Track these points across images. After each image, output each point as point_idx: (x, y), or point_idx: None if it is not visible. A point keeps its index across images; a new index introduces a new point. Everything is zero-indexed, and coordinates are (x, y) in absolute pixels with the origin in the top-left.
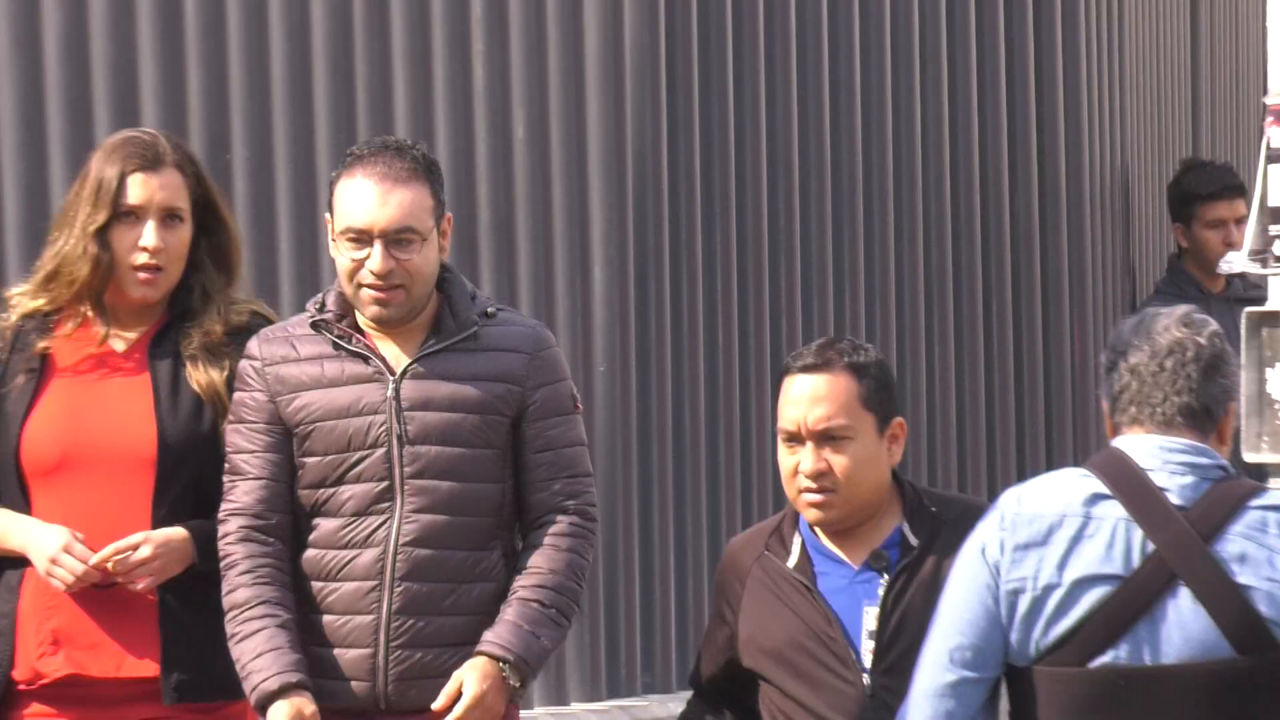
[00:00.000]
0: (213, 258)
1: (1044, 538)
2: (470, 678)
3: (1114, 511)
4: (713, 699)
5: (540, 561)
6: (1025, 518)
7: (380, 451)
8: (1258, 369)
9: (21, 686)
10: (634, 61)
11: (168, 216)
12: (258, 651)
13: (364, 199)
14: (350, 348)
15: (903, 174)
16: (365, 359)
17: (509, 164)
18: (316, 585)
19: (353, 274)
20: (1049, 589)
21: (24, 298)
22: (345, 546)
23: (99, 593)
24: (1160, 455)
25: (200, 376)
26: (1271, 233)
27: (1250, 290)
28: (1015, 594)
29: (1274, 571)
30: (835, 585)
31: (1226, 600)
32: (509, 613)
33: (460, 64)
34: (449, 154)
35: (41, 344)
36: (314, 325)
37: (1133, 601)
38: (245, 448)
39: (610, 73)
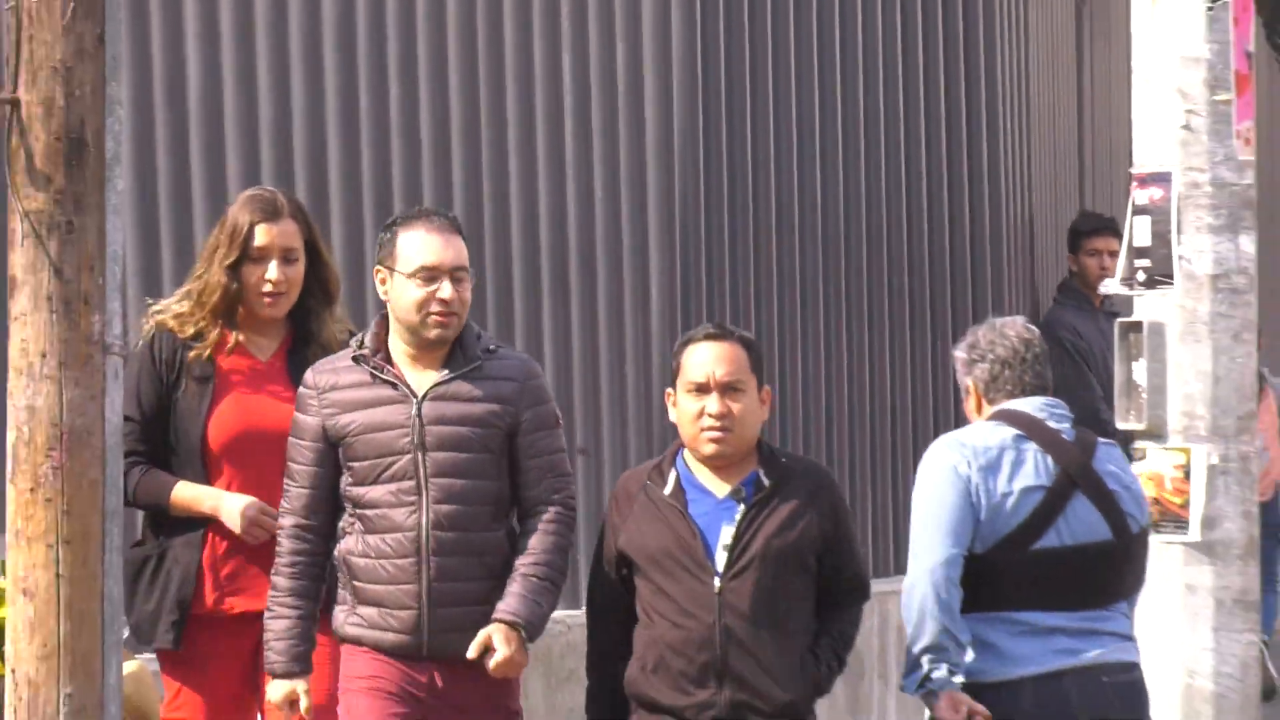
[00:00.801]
0: (318, 285)
1: (995, 463)
2: (498, 639)
3: (1031, 445)
4: (606, 613)
5: (535, 543)
6: (979, 449)
7: (407, 457)
8: (1127, 362)
9: (200, 615)
10: (681, 145)
11: (285, 255)
12: (279, 637)
13: (432, 245)
14: (383, 376)
15: (868, 222)
16: (394, 385)
17: (590, 216)
18: (366, 562)
19: (422, 305)
20: (1005, 495)
21: (168, 316)
22: (385, 531)
23: (261, 546)
24: (1045, 410)
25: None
26: (1136, 265)
27: (1120, 306)
28: (982, 497)
29: (1126, 482)
30: (702, 509)
31: (1105, 501)
32: (515, 586)
33: (555, 138)
34: (550, 207)
35: (203, 358)
36: (355, 359)
37: (1054, 504)
38: (299, 459)
39: (663, 154)
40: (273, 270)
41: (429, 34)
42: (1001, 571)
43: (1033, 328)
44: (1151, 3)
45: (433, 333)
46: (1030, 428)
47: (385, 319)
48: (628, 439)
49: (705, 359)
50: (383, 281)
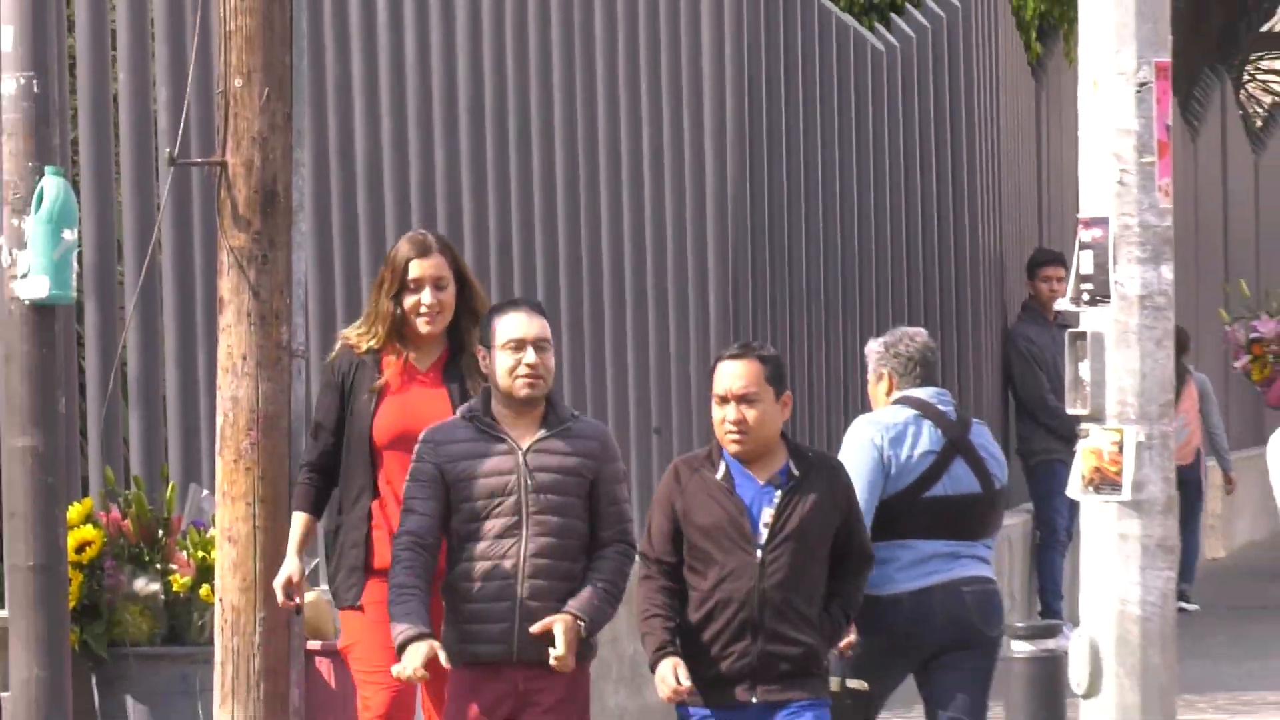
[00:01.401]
0: (467, 307)
1: (901, 435)
2: (559, 632)
3: (926, 422)
4: (658, 569)
5: (604, 566)
6: (889, 425)
7: (512, 499)
8: (1074, 363)
9: (379, 570)
10: (734, 196)
11: (436, 284)
12: (405, 616)
13: (519, 321)
14: (492, 432)
15: (877, 256)
16: (502, 439)
17: (663, 250)
18: (468, 586)
19: (513, 369)
20: (908, 459)
21: (350, 337)
22: (490, 559)
23: None
24: (936, 397)
25: (475, 387)
26: (1081, 288)
27: (1069, 319)
28: (891, 461)
29: (992, 451)
30: (747, 493)
31: (977, 464)
32: (586, 591)
33: (633, 192)
34: (633, 243)
35: (377, 372)
36: (467, 419)
37: (941, 464)
38: (417, 495)
39: (720, 203)
40: (427, 296)
41: (539, 114)
42: (900, 513)
43: (929, 338)
44: (1093, 86)
45: (523, 392)
46: (925, 409)
47: (488, 391)
48: (690, 421)
49: (724, 375)
50: (483, 358)
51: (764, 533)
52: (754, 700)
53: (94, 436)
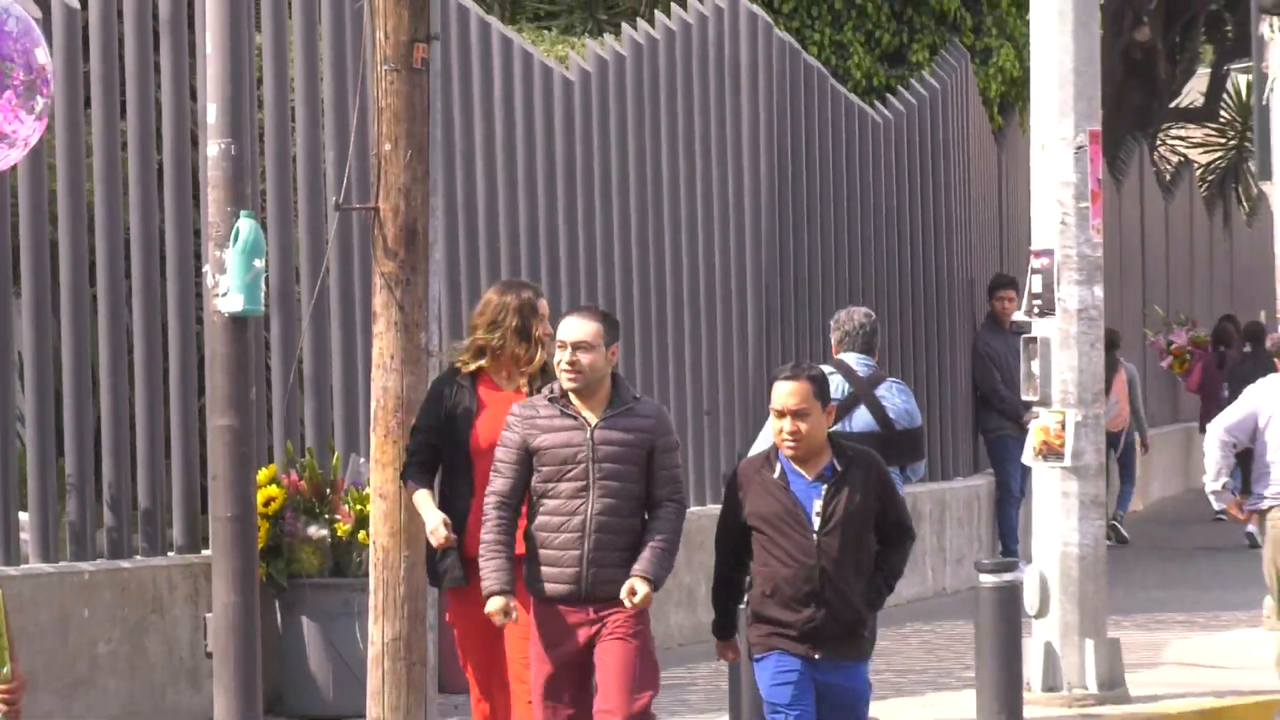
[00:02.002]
0: (547, 339)
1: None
2: (638, 584)
3: (838, 378)
4: (727, 554)
5: (660, 525)
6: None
7: (581, 466)
8: (1028, 361)
9: (472, 558)
10: (768, 241)
11: (533, 316)
12: (495, 570)
13: (568, 326)
14: (567, 411)
15: (877, 280)
16: (574, 418)
17: (712, 282)
18: (545, 536)
19: (559, 364)
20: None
21: (455, 359)
22: (563, 515)
23: None
24: (858, 360)
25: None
26: (1033, 303)
27: (1022, 328)
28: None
29: (896, 404)
30: (799, 488)
31: (878, 410)
32: (647, 553)
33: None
34: (690, 280)
35: (473, 388)
36: (549, 400)
37: (847, 406)
38: (505, 459)
39: (756, 244)
40: (518, 315)
41: (619, 175)
42: None
43: (870, 313)
44: (1042, 149)
45: (565, 383)
46: (842, 368)
47: None
48: (733, 407)
49: (780, 392)
50: (553, 353)
51: (817, 521)
52: (818, 657)
53: (277, 418)
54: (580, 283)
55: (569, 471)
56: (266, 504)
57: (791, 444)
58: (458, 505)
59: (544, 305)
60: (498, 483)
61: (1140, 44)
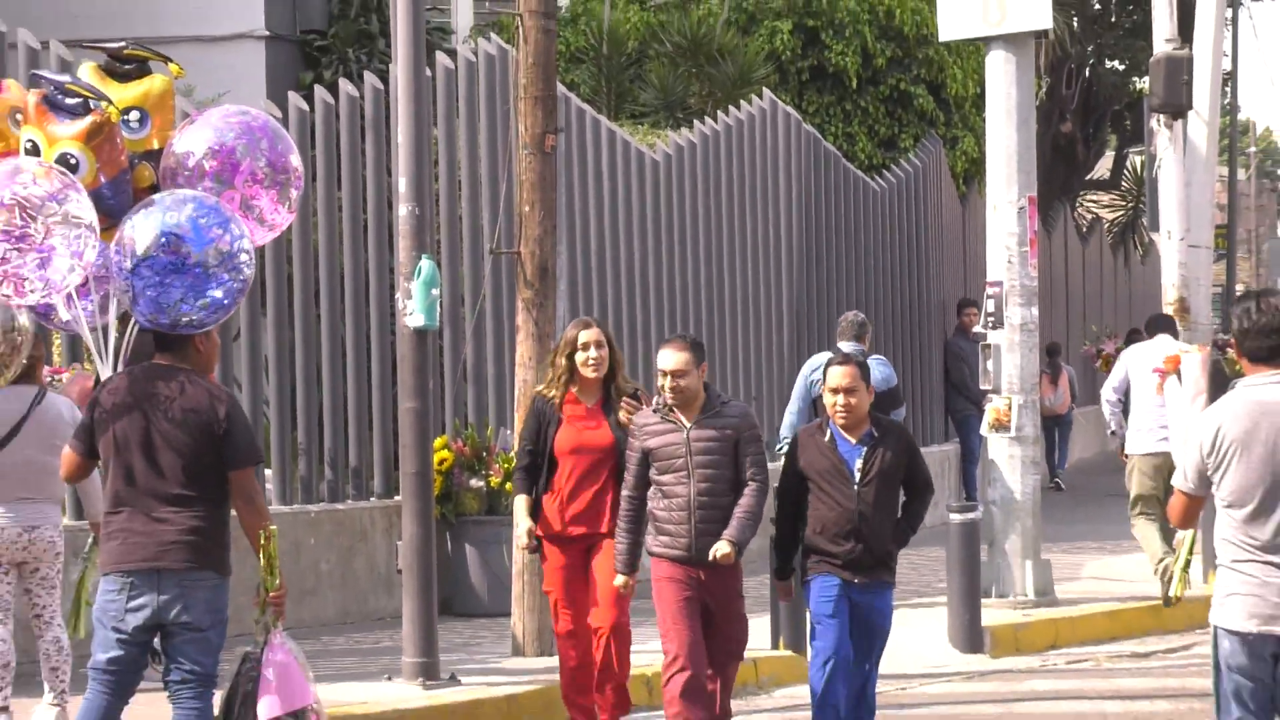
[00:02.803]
0: (614, 364)
1: (817, 366)
2: (723, 545)
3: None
4: (786, 505)
5: (746, 501)
6: (813, 364)
7: (681, 459)
8: (984, 361)
9: (550, 535)
10: (798, 270)
11: (596, 347)
12: (624, 551)
13: (663, 357)
14: (668, 419)
15: (880, 300)
16: (674, 424)
17: (758, 297)
18: (662, 514)
19: (663, 388)
20: (816, 382)
21: (542, 387)
22: (673, 497)
23: (585, 501)
24: (851, 345)
25: (623, 418)
26: (988, 319)
27: (980, 337)
28: (814, 383)
29: (874, 371)
30: (844, 449)
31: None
32: (734, 522)
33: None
34: (743, 293)
35: (557, 407)
36: (654, 411)
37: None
38: (631, 464)
39: (790, 268)
40: (591, 352)
41: (690, 231)
42: (821, 408)
43: (860, 314)
44: (994, 209)
45: (668, 400)
46: (839, 352)
47: None
48: (773, 393)
49: (835, 375)
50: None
51: (858, 475)
52: (855, 580)
53: (448, 402)
54: (665, 306)
55: (673, 465)
56: (440, 463)
57: (844, 415)
58: (542, 491)
59: (588, 334)
60: (629, 480)
61: (1064, 134)
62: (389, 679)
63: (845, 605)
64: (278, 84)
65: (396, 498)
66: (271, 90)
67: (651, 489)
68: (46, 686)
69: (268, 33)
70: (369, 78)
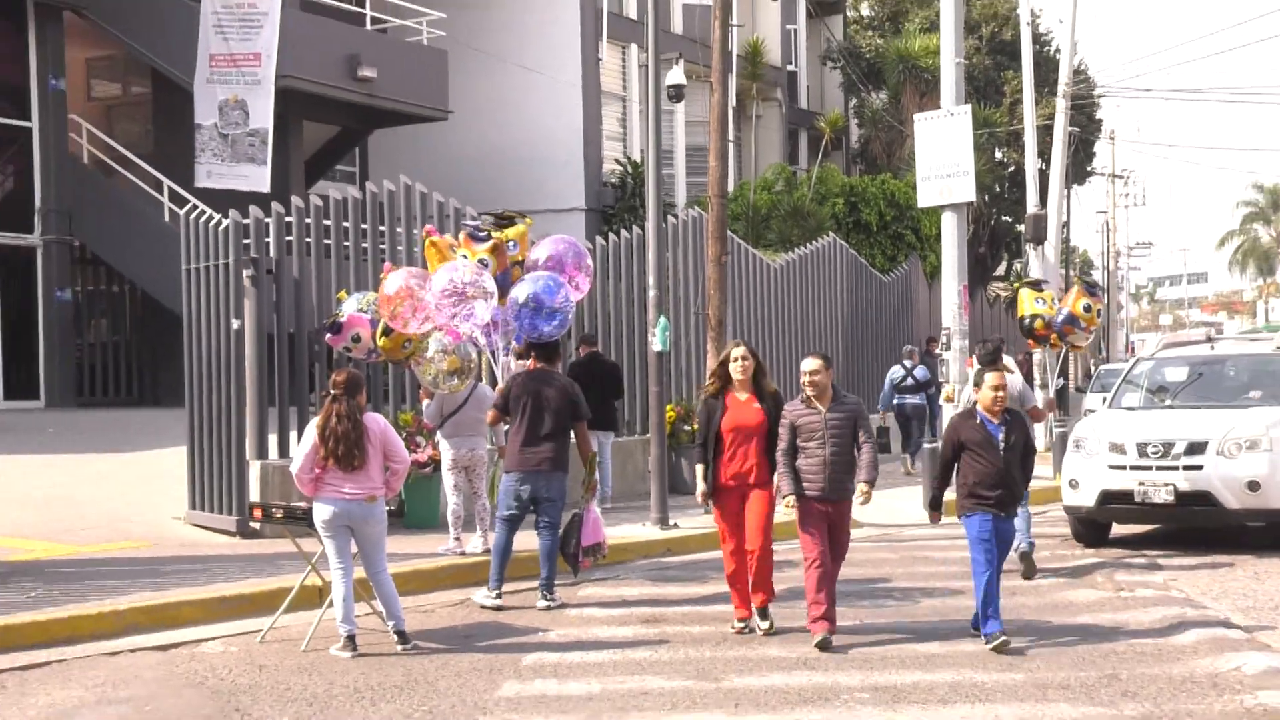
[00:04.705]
0: (760, 370)
1: (894, 373)
2: (864, 485)
3: (900, 369)
4: (944, 467)
5: (867, 455)
6: (894, 374)
7: (819, 432)
8: (941, 367)
9: (719, 487)
10: (846, 324)
11: (743, 357)
12: (785, 483)
13: (806, 363)
14: (810, 406)
15: (885, 341)
16: (814, 409)
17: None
18: (805, 466)
19: (805, 385)
20: (894, 383)
21: (708, 385)
22: (813, 456)
23: (741, 463)
24: (910, 363)
25: (769, 405)
26: (943, 343)
27: (939, 356)
28: (888, 382)
29: (918, 377)
30: (990, 428)
31: (917, 385)
32: (862, 472)
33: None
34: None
35: (720, 399)
36: (801, 401)
37: (902, 381)
38: (783, 434)
39: (844, 323)
40: (739, 362)
41: (797, 303)
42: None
43: (913, 349)
44: (946, 291)
45: (807, 393)
46: (904, 368)
47: None
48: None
49: (992, 379)
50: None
51: (1002, 445)
52: (1002, 515)
53: (672, 389)
54: (781, 342)
55: (814, 435)
56: (672, 419)
57: (998, 406)
58: (713, 458)
59: (738, 350)
60: (782, 445)
61: (980, 253)
62: (644, 525)
63: (993, 533)
64: (589, 231)
65: (647, 435)
66: (587, 234)
67: (798, 451)
68: (478, 528)
69: (585, 207)
70: (635, 230)
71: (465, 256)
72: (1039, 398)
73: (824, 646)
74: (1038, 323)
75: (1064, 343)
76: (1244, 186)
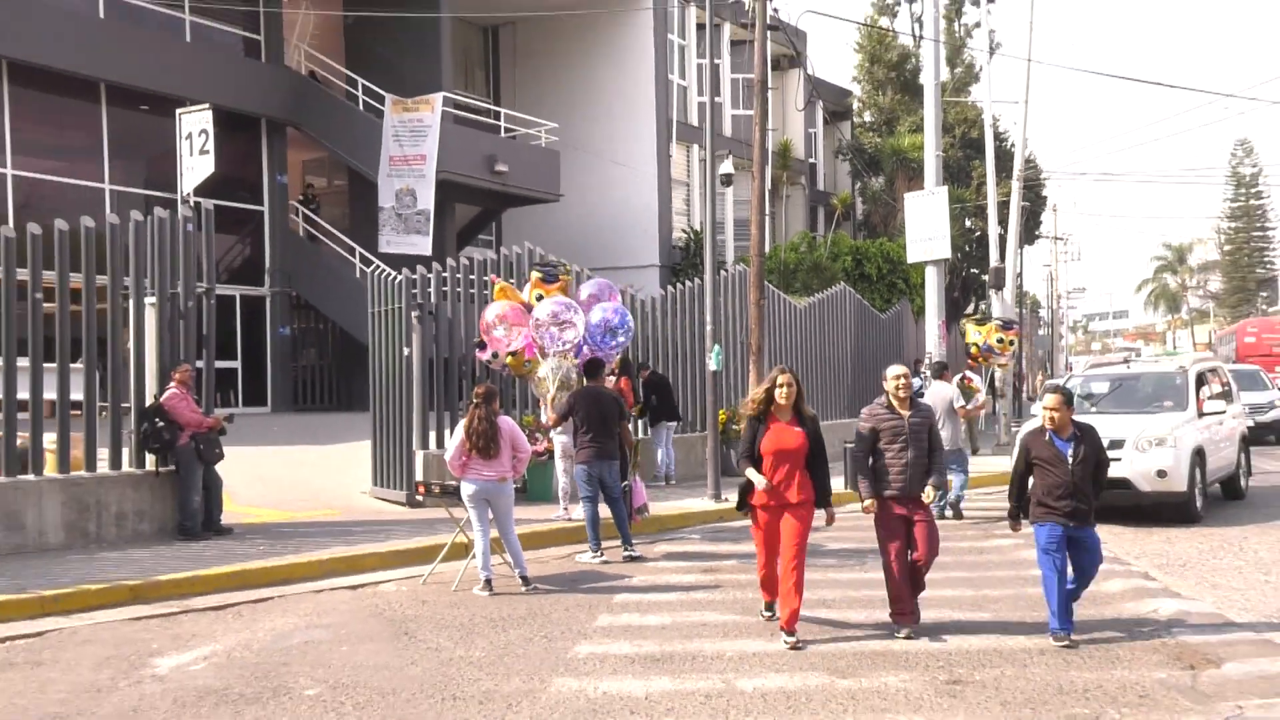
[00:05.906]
0: (799, 392)
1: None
2: (930, 490)
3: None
4: (1018, 479)
5: (935, 458)
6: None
7: (903, 435)
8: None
9: (760, 506)
10: (854, 346)
11: (788, 383)
12: (864, 490)
13: (890, 370)
14: (892, 410)
15: (882, 360)
16: (895, 414)
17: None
18: (888, 468)
19: (892, 391)
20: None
21: (747, 407)
22: (895, 458)
23: (785, 477)
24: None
25: (809, 427)
26: (927, 364)
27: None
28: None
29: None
30: (1059, 444)
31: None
32: (935, 475)
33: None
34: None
35: (761, 420)
36: (884, 407)
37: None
38: (861, 436)
39: (852, 345)
40: (783, 387)
41: (816, 332)
42: None
43: (904, 368)
44: (929, 326)
45: (899, 396)
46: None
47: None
48: (841, 404)
49: (1052, 399)
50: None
51: (1071, 460)
52: (1071, 525)
53: (723, 399)
54: (808, 367)
55: (897, 438)
56: (723, 420)
57: (1056, 425)
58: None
59: (783, 377)
60: (863, 446)
61: (954, 297)
62: (702, 499)
63: (1064, 543)
64: (662, 281)
65: (704, 432)
66: (660, 284)
67: (878, 454)
68: (563, 503)
69: (659, 264)
70: (696, 280)
71: (540, 296)
72: (979, 401)
73: (910, 637)
74: (973, 348)
75: (989, 362)
76: (1156, 244)
